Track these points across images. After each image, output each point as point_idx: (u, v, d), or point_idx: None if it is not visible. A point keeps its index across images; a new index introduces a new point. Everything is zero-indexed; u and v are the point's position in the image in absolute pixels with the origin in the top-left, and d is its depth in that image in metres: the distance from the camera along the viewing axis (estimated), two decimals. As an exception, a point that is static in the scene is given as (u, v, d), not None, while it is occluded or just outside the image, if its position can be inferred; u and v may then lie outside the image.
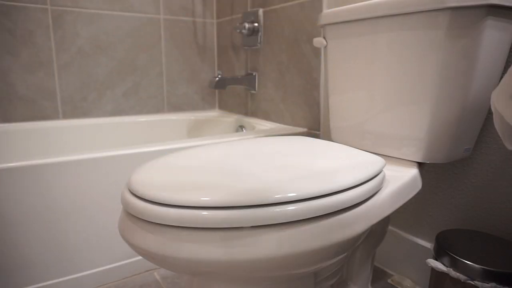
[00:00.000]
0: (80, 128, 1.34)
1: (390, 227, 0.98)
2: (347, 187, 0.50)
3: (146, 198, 0.46)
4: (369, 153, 0.66)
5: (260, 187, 0.46)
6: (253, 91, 1.47)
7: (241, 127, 1.44)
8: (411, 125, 0.71)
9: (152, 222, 0.45)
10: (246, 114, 1.54)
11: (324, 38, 0.82)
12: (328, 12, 0.82)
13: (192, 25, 1.60)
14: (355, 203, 0.51)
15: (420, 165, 0.73)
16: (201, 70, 1.66)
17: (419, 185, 0.70)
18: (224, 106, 1.71)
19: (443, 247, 0.68)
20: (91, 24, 1.35)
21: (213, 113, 1.68)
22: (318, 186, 0.48)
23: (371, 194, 0.54)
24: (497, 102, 0.37)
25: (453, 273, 0.64)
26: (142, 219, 0.46)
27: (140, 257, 0.99)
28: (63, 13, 1.28)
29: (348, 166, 0.56)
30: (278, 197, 0.45)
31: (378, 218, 0.56)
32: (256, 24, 1.37)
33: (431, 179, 0.88)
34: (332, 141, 0.83)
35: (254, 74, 1.44)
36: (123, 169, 0.91)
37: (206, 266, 0.44)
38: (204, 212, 0.44)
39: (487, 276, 0.61)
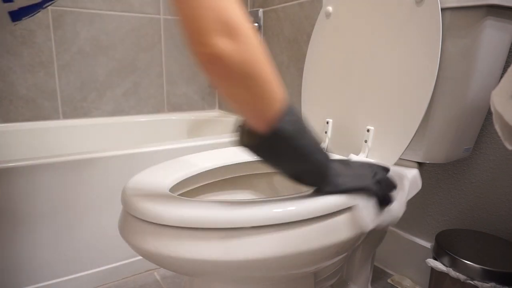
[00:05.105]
0: (80, 128, 1.34)
1: (390, 227, 0.98)
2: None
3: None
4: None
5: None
6: (253, 91, 1.46)
7: (241, 127, 1.44)
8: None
9: (152, 222, 0.45)
10: (246, 114, 1.54)
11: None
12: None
13: (192, 25, 1.59)
14: (355, 203, 0.51)
15: (420, 165, 0.73)
16: (201, 70, 1.66)
17: (419, 185, 0.70)
18: (224, 106, 1.71)
19: (443, 247, 0.68)
20: (91, 24, 1.35)
21: (213, 113, 1.68)
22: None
23: (371, 194, 0.54)
24: (497, 102, 0.37)
25: (452, 273, 0.64)
26: (142, 219, 0.46)
27: (140, 257, 0.99)
28: (63, 13, 1.28)
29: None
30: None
31: (378, 218, 0.56)
32: (256, 24, 1.37)
33: (431, 179, 0.88)
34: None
35: (254, 74, 1.44)
36: (123, 169, 0.91)
37: (206, 267, 0.44)
38: (204, 212, 0.44)
39: (487, 276, 0.61)
